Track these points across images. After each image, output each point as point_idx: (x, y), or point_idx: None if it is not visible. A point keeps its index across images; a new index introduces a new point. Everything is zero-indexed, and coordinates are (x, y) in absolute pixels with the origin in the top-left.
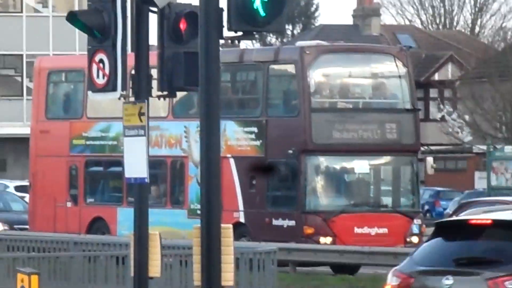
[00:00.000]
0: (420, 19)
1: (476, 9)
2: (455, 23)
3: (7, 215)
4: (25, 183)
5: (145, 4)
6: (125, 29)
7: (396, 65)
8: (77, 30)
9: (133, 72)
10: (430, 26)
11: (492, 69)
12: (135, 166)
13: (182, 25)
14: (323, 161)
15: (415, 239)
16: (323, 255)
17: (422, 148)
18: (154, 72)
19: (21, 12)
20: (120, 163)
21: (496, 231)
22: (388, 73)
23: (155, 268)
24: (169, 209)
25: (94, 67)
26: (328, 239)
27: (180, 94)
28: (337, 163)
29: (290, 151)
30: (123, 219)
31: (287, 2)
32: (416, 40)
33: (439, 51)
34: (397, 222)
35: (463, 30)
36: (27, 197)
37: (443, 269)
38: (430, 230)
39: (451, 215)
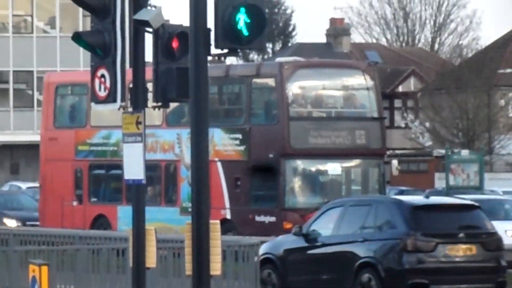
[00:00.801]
0: (386, 37)
1: (436, 28)
2: (417, 41)
3: (20, 213)
4: (36, 184)
5: (141, 25)
6: (124, 47)
7: (365, 79)
8: (81, 48)
9: (131, 85)
10: (394, 44)
11: (449, 81)
12: (133, 169)
13: (174, 44)
14: (300, 164)
15: None
16: None
17: (388, 152)
18: (149, 86)
19: (32, 33)
20: (120, 167)
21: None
22: (357, 86)
23: (151, 260)
24: (163, 207)
25: (97, 81)
26: None
27: (172, 105)
28: (313, 166)
29: (271, 155)
30: (123, 216)
31: (267, 23)
32: (382, 56)
33: (402, 66)
34: None
35: (424, 47)
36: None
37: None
38: None
39: None
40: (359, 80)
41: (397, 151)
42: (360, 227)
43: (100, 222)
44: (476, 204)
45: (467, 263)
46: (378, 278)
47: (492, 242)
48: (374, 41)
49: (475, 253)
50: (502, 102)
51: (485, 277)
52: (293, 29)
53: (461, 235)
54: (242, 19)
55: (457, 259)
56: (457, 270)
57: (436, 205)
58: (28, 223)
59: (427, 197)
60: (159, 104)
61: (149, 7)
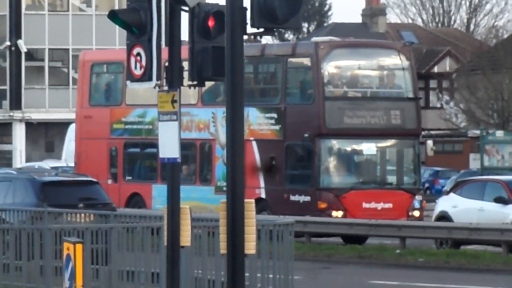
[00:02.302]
0: (422, 18)
1: (471, 9)
2: (452, 22)
3: None
4: (61, 163)
5: (178, 4)
6: (160, 26)
7: (400, 59)
8: (117, 26)
9: (166, 64)
10: (430, 25)
11: (485, 62)
12: (168, 148)
13: (210, 23)
14: (335, 143)
15: (416, 213)
16: (335, 227)
17: (423, 133)
18: (185, 64)
19: (68, 11)
20: (155, 145)
21: None
22: (393, 66)
23: (186, 238)
24: (198, 186)
25: (132, 59)
26: (340, 213)
27: (208, 84)
28: (348, 146)
29: (306, 135)
30: (157, 194)
31: (303, 2)
32: (418, 37)
33: (438, 46)
34: (401, 198)
35: (459, 28)
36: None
37: None
38: (430, 206)
39: (448, 192)
40: (394, 60)
41: (432, 132)
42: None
43: (135, 200)
44: (95, 180)
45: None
46: None
47: (108, 209)
48: (410, 21)
49: (93, 220)
50: None
51: None
52: (329, 9)
53: (80, 205)
54: None
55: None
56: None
57: (61, 181)
58: None
59: (56, 174)
60: (195, 82)
61: None
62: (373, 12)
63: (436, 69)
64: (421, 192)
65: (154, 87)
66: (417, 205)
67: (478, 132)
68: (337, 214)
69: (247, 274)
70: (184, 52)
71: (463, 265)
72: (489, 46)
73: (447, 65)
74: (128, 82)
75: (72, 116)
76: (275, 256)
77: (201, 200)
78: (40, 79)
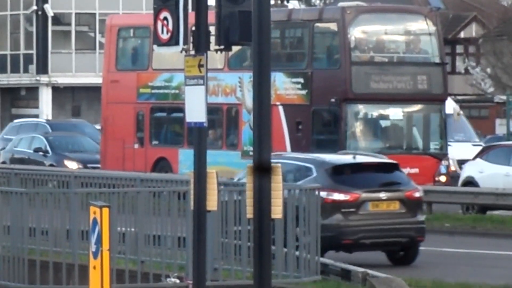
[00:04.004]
0: None
1: None
2: None
3: (81, 155)
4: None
5: None
6: None
7: (427, 24)
8: None
9: (193, 28)
10: None
11: (511, 28)
12: (195, 112)
13: None
14: (362, 108)
15: (443, 178)
16: None
17: (449, 98)
18: (212, 29)
19: None
20: (181, 110)
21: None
22: (419, 31)
23: (212, 203)
24: (225, 150)
25: (159, 24)
26: None
27: (235, 48)
28: (374, 111)
29: (333, 100)
30: (184, 159)
31: None
32: (444, 2)
33: (464, 12)
34: (427, 163)
35: None
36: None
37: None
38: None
39: (475, 157)
40: (421, 26)
41: (458, 97)
42: None
43: (161, 165)
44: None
45: None
46: None
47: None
48: None
49: None
50: None
51: None
52: None
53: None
54: None
55: None
56: None
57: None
58: (89, 165)
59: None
60: (222, 47)
61: None
62: None
63: (462, 35)
64: (447, 157)
65: (181, 52)
66: (443, 170)
67: (504, 97)
68: None
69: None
70: (211, 16)
71: (489, 231)
72: None
73: (473, 30)
74: (155, 47)
75: (99, 80)
76: (301, 220)
77: (228, 164)
78: (67, 44)
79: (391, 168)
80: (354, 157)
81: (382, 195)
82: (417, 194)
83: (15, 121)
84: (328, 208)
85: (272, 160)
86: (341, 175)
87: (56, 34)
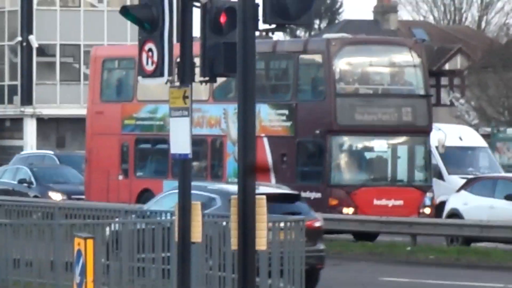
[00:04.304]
0: (433, 15)
1: (483, 7)
2: (463, 19)
3: (66, 187)
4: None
5: None
6: (172, 21)
7: (412, 56)
8: (128, 22)
9: (178, 60)
10: (441, 22)
11: (496, 60)
12: (180, 143)
13: (222, 18)
14: (347, 140)
15: (427, 210)
16: (346, 224)
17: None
18: (197, 60)
19: (79, 6)
20: (166, 141)
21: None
22: (404, 63)
23: (196, 235)
24: (209, 182)
25: (144, 55)
26: (351, 210)
27: (220, 80)
28: (359, 142)
29: (317, 132)
30: (168, 190)
31: None
32: (429, 34)
33: (449, 44)
34: (412, 195)
35: (471, 26)
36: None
37: None
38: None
39: (459, 190)
40: (406, 57)
41: None
42: None
43: (146, 196)
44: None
45: None
46: None
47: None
48: (421, 18)
49: None
50: None
51: None
52: (340, 5)
53: None
54: None
55: None
56: None
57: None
58: (73, 196)
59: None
60: (206, 78)
61: None
62: (384, 9)
63: (447, 67)
64: (432, 189)
65: (166, 83)
66: (428, 202)
67: (489, 129)
68: (348, 211)
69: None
70: (196, 48)
71: (473, 263)
72: (500, 44)
73: (458, 62)
74: (139, 78)
75: (84, 111)
76: (286, 252)
77: None
78: (51, 75)
79: (293, 198)
80: (257, 188)
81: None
82: (317, 224)
83: (22, 152)
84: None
85: (175, 191)
86: None
87: (41, 65)
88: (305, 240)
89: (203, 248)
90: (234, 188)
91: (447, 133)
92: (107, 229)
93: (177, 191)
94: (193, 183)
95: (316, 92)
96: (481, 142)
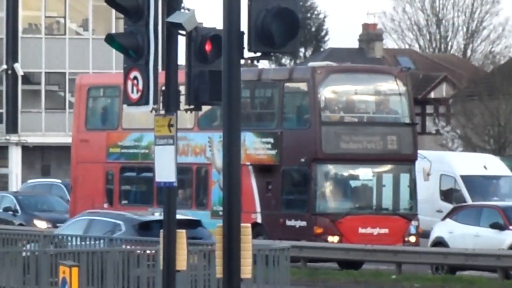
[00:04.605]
0: (419, 43)
1: (468, 35)
2: (449, 48)
3: (51, 215)
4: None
5: (175, 27)
6: (157, 49)
7: (397, 84)
8: (114, 50)
9: (163, 88)
10: (427, 50)
11: (481, 88)
12: (165, 172)
13: (208, 47)
14: (332, 168)
15: (412, 239)
16: (331, 252)
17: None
18: (182, 88)
19: (65, 35)
20: (151, 169)
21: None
22: (389, 91)
23: (181, 263)
24: (194, 210)
25: (129, 83)
26: (336, 238)
27: (204, 108)
28: (344, 171)
29: (302, 160)
30: None
31: (300, 27)
32: (415, 62)
33: (434, 72)
34: (397, 224)
35: (456, 54)
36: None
37: None
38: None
39: (444, 218)
40: (391, 86)
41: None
42: None
43: None
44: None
45: None
46: None
47: None
48: (407, 47)
49: None
50: None
51: None
52: (326, 34)
53: None
54: (275, 23)
55: None
56: None
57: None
58: (58, 224)
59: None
60: (192, 107)
61: (182, 10)
62: (369, 37)
63: (432, 95)
64: (417, 217)
65: (151, 111)
66: (413, 230)
67: None
68: (333, 239)
69: None
70: (181, 76)
71: None
72: (486, 72)
73: (443, 90)
74: (125, 106)
75: (69, 139)
76: (271, 280)
77: None
78: (37, 103)
79: (194, 224)
80: (159, 214)
81: None
82: None
83: (29, 181)
84: (135, 260)
85: (84, 217)
86: (146, 230)
87: (26, 93)
88: (207, 264)
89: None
90: (137, 215)
91: (472, 162)
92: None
93: (85, 217)
94: (100, 211)
95: (301, 120)
96: (506, 171)
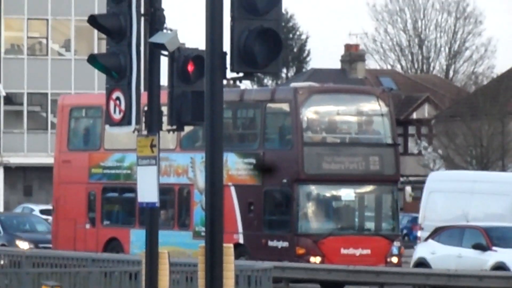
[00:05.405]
0: (401, 64)
1: (451, 56)
2: (431, 68)
3: (33, 235)
4: (49, 207)
5: (157, 48)
6: (139, 70)
7: (379, 105)
8: (96, 71)
9: (146, 108)
10: (409, 71)
11: (464, 109)
12: (147, 192)
13: (190, 67)
14: (314, 189)
15: (394, 259)
16: (313, 273)
17: (401, 179)
18: (164, 109)
19: (47, 55)
20: (133, 190)
21: None
22: (372, 112)
23: (164, 283)
24: (177, 230)
25: (112, 103)
26: (318, 259)
27: (187, 129)
28: (326, 191)
29: (284, 180)
30: (135, 239)
31: (283, 47)
32: (397, 83)
33: (417, 92)
34: (379, 244)
35: (438, 75)
36: (50, 219)
37: None
38: (408, 251)
39: (427, 239)
40: (373, 106)
41: (411, 178)
42: None
43: (113, 245)
44: None
45: None
46: None
47: None
48: (389, 67)
49: None
50: None
51: None
52: (308, 54)
53: None
54: (258, 43)
55: None
56: None
57: None
58: (40, 245)
59: None
60: (174, 127)
61: (165, 31)
62: (352, 58)
63: (415, 115)
64: (400, 238)
65: (133, 132)
66: (395, 251)
67: None
68: (315, 259)
69: None
70: (164, 96)
71: None
72: (468, 92)
73: (425, 111)
74: (107, 126)
75: (51, 160)
76: None
77: (179, 245)
78: (19, 123)
79: None
80: None
81: None
82: None
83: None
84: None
85: None
86: None
87: (8, 114)
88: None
89: None
90: None
91: None
92: None
93: None
94: None
95: (283, 141)
96: None
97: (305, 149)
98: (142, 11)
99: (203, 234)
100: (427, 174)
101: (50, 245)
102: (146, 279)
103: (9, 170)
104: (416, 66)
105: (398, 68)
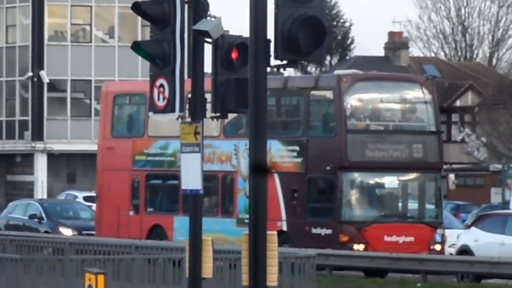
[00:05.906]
0: (444, 52)
1: (494, 43)
2: (475, 56)
3: (76, 222)
4: (92, 194)
5: (201, 35)
6: (183, 57)
7: (423, 92)
8: (140, 58)
9: (189, 95)
10: (452, 58)
11: (507, 96)
12: (191, 179)
13: (234, 54)
14: (357, 176)
15: (438, 247)
16: (356, 260)
17: (444, 166)
18: (208, 96)
19: (90, 42)
20: (176, 177)
21: None
22: (415, 99)
23: (207, 270)
24: (220, 218)
25: (155, 91)
26: (361, 246)
27: (231, 116)
28: (370, 179)
29: (328, 168)
30: (179, 226)
31: (327, 34)
32: (440, 71)
33: (460, 80)
34: (422, 232)
35: (482, 62)
36: (93, 206)
37: None
38: (450, 240)
39: (469, 226)
40: (417, 94)
41: (454, 166)
42: None
43: (156, 232)
44: None
45: None
46: None
47: None
48: (433, 55)
49: None
50: None
51: None
52: (351, 42)
53: None
54: (302, 31)
55: None
56: None
57: None
58: (84, 232)
59: None
60: (218, 114)
61: (208, 18)
62: (395, 45)
63: (458, 103)
64: (443, 225)
65: (177, 119)
66: (438, 238)
67: (499, 166)
68: (359, 247)
69: None
70: (207, 84)
71: None
72: (511, 80)
73: (469, 99)
74: (151, 114)
75: (94, 147)
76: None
77: (223, 232)
78: (62, 110)
79: None
80: None
81: None
82: None
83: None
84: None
85: None
86: None
87: (52, 100)
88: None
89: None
90: None
91: None
92: None
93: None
94: None
95: (327, 128)
96: None
97: (349, 136)
98: None
99: (246, 221)
100: (470, 162)
101: (94, 232)
102: (189, 266)
103: (53, 157)
104: (459, 53)
105: (442, 55)
